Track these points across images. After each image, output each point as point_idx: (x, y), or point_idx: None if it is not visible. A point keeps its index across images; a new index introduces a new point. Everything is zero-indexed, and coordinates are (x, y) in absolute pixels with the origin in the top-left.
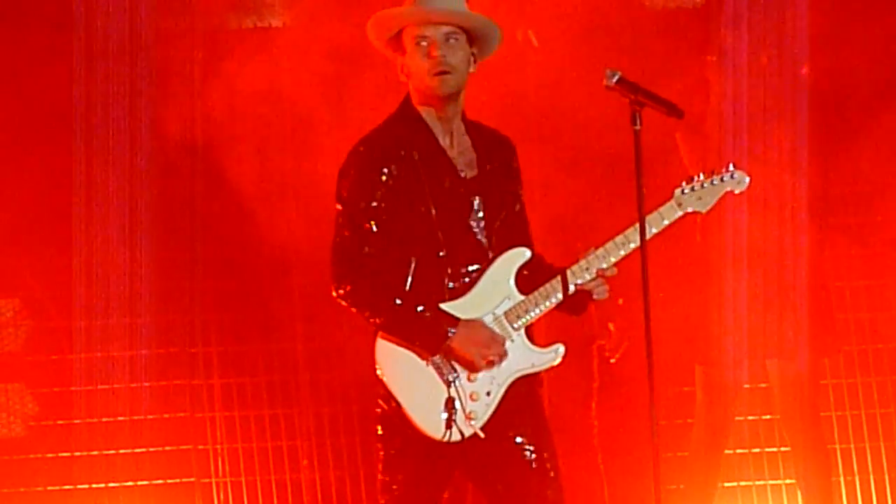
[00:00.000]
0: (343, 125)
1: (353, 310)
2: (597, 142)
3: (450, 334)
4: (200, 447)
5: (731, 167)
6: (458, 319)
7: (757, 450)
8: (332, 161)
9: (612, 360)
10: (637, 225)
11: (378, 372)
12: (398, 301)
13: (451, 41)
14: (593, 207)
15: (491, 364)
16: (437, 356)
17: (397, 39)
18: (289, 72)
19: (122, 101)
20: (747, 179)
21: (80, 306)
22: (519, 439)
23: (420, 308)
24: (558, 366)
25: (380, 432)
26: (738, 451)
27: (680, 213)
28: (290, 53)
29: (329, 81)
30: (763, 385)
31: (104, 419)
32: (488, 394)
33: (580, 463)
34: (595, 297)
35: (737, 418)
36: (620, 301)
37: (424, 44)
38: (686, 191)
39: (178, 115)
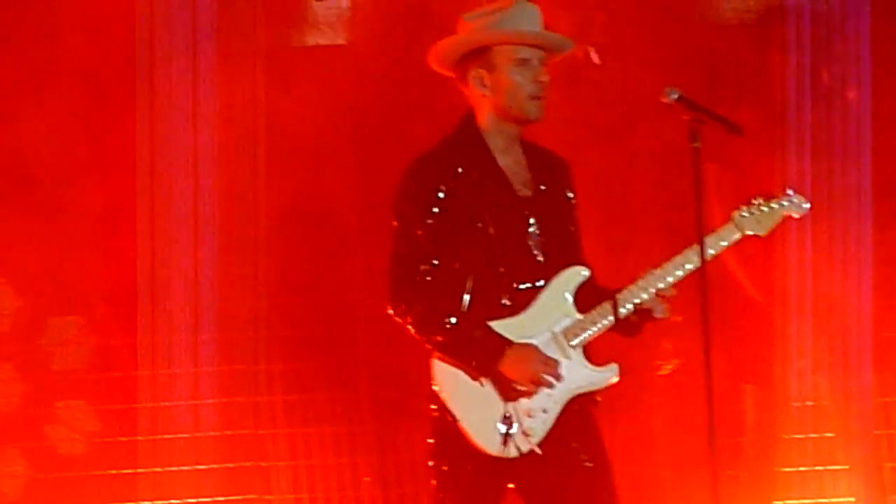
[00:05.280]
0: (406, 145)
1: (408, 328)
2: (652, 161)
3: (500, 357)
4: (262, 464)
5: (788, 191)
6: (509, 342)
7: (819, 468)
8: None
9: (662, 373)
10: (695, 246)
11: (435, 387)
12: (453, 320)
13: (543, 66)
14: (648, 227)
15: (541, 385)
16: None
17: (476, 56)
18: (349, 90)
19: (185, 123)
20: (806, 205)
21: (143, 323)
22: (577, 455)
23: (473, 330)
24: (616, 384)
25: (432, 442)
26: (801, 468)
27: (738, 236)
28: (351, 71)
29: (391, 99)
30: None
31: (166, 436)
32: (545, 411)
33: (637, 480)
34: (656, 315)
35: (794, 436)
36: (679, 319)
37: (530, 66)
38: (745, 213)
39: (242, 136)
